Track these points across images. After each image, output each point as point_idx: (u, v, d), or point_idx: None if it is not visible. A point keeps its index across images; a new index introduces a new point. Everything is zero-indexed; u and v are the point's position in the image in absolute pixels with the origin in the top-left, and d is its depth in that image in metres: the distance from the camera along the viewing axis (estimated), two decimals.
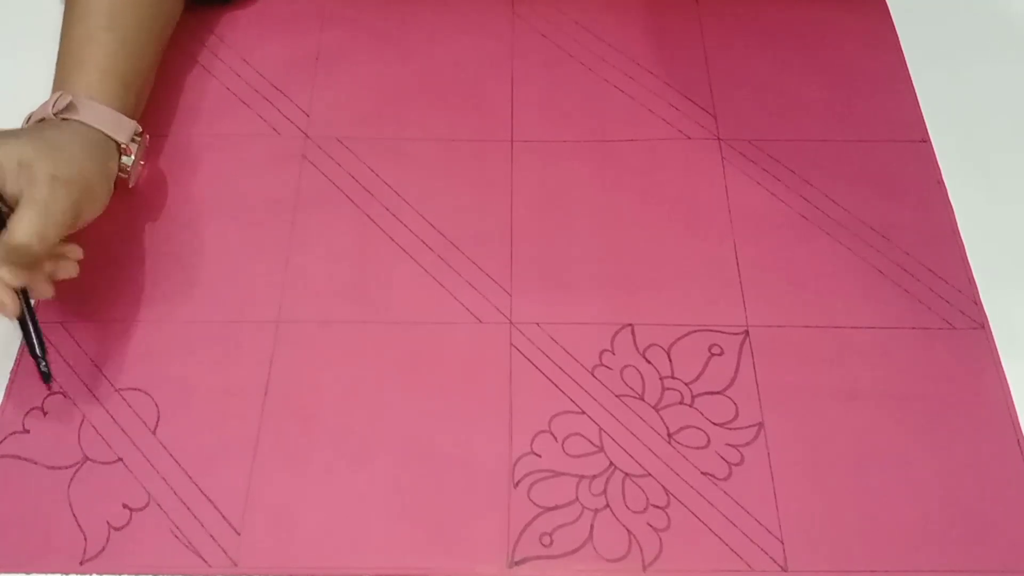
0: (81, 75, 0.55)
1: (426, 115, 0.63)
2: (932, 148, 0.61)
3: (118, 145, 0.55)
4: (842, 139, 0.62)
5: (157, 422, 0.51)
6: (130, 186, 0.57)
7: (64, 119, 0.53)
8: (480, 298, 0.55)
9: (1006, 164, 0.61)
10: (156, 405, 0.51)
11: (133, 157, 0.56)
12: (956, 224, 0.58)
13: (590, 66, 0.65)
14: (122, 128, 0.55)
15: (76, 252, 0.51)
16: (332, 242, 0.57)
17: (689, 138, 0.62)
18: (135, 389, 0.52)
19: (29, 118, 0.54)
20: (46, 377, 0.50)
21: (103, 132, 0.53)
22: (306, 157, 0.61)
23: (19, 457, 0.50)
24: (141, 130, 0.57)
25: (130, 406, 0.51)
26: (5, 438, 0.50)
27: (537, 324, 0.54)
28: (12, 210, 0.48)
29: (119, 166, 0.55)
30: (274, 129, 0.62)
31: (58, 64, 0.56)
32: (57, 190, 0.48)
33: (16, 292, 0.48)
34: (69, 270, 0.51)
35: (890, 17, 0.68)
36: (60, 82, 0.55)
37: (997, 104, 0.64)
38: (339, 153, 0.61)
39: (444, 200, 0.59)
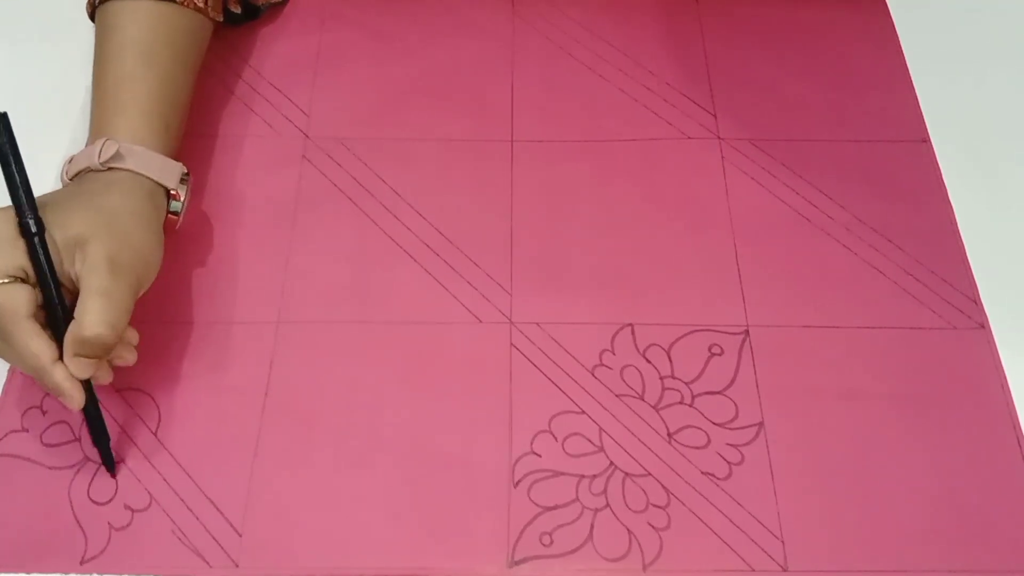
0: (122, 118, 0.52)
1: (426, 115, 0.63)
2: (932, 148, 0.61)
3: (167, 191, 0.53)
4: (842, 139, 0.62)
5: (158, 423, 0.51)
6: (177, 228, 0.55)
7: (110, 168, 0.51)
8: (480, 298, 0.55)
9: (1006, 164, 0.61)
10: (157, 405, 0.51)
11: (182, 202, 0.53)
12: (956, 224, 0.58)
13: (590, 66, 0.65)
14: (170, 173, 0.52)
15: (135, 337, 0.49)
16: (332, 242, 0.57)
17: (689, 138, 0.62)
18: (135, 389, 0.52)
19: (70, 160, 0.52)
20: (110, 466, 0.49)
21: (152, 179, 0.51)
22: (306, 157, 0.61)
23: (19, 456, 0.50)
24: (187, 171, 0.54)
25: (131, 406, 0.51)
26: (5, 436, 0.50)
27: (537, 324, 0.54)
28: (66, 287, 0.47)
29: (168, 212, 0.53)
30: (274, 129, 0.62)
31: (95, 105, 0.54)
32: (118, 275, 0.46)
33: (82, 384, 0.46)
34: (127, 357, 0.48)
35: (890, 17, 0.68)
36: (101, 126, 0.53)
37: (997, 104, 0.64)
38: (339, 153, 0.61)
39: (444, 200, 0.59)
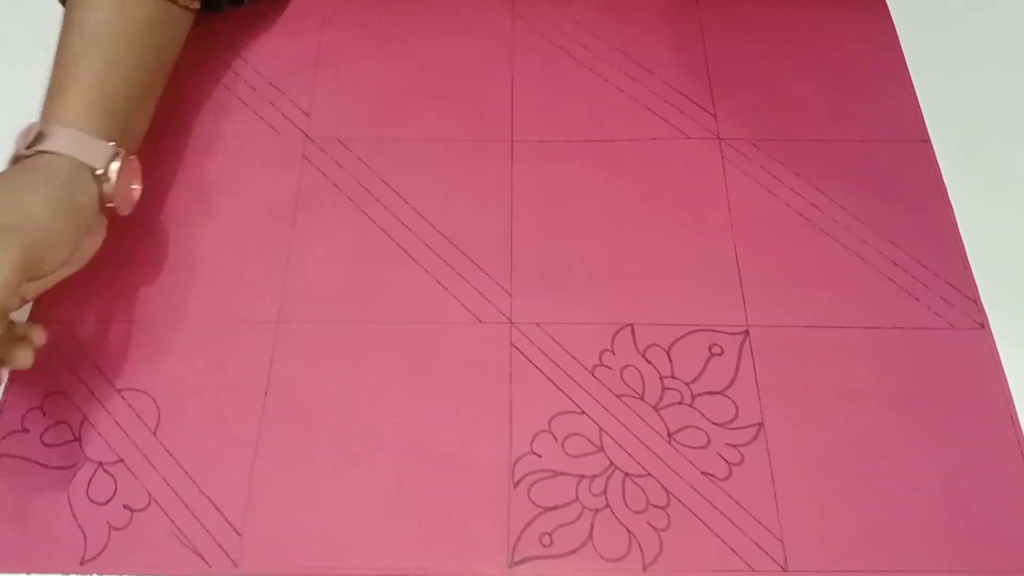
0: (58, 101, 0.51)
1: (426, 115, 0.63)
2: (932, 148, 0.61)
3: (94, 173, 0.50)
4: (842, 139, 0.62)
5: (158, 422, 0.51)
6: (122, 215, 0.53)
7: (37, 152, 0.49)
8: (480, 298, 0.55)
9: (1006, 164, 0.61)
10: (156, 405, 0.51)
11: (113, 181, 0.50)
12: (956, 224, 0.58)
13: (590, 66, 0.65)
14: (96, 153, 0.50)
15: (39, 336, 0.47)
16: (332, 242, 0.57)
17: (689, 138, 0.62)
18: (135, 389, 0.52)
19: (15, 158, 0.51)
20: None
21: (74, 159, 0.49)
22: (306, 157, 0.61)
23: (19, 457, 0.50)
24: (123, 152, 0.51)
25: (130, 406, 0.51)
26: (5, 436, 0.50)
27: (537, 324, 0.54)
28: None
29: (102, 195, 0.50)
30: (274, 129, 0.62)
31: (46, 91, 0.53)
32: None
33: None
34: (20, 360, 0.46)
35: (890, 17, 0.68)
36: (43, 111, 0.52)
37: (997, 104, 0.64)
38: (339, 153, 0.61)
39: (444, 200, 0.59)
